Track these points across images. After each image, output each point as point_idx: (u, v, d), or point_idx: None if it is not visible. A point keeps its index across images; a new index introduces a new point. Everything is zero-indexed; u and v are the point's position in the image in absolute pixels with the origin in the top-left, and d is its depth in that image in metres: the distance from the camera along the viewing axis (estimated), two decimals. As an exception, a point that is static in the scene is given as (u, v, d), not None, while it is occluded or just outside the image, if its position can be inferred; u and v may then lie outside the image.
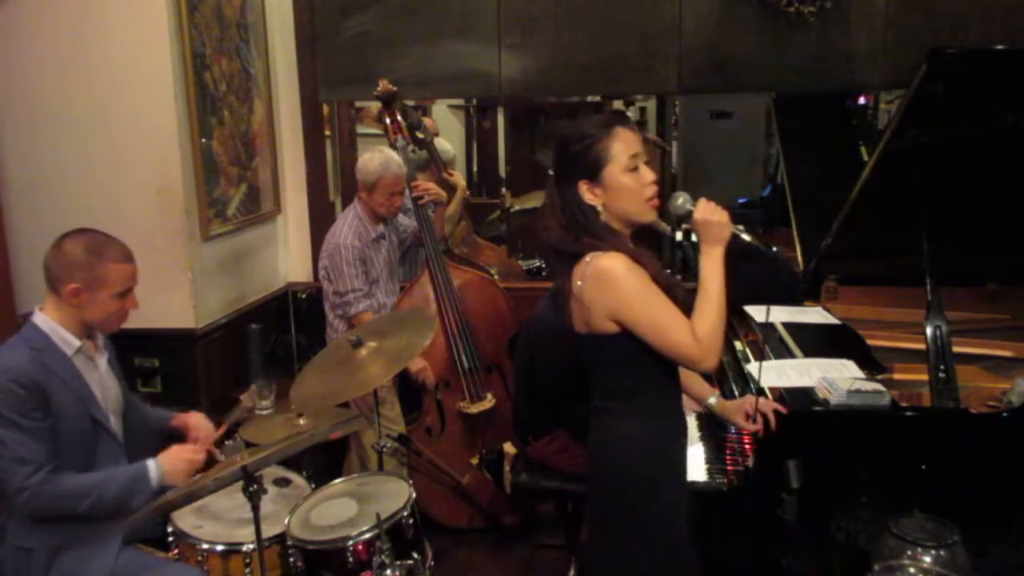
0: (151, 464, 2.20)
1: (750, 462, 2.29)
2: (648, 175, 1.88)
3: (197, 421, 2.45)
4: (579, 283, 1.84)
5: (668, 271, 2.03)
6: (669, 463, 1.97)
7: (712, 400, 2.27)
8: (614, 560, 1.96)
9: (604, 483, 1.97)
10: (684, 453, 2.04)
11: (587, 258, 1.84)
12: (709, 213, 1.87)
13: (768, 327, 2.83)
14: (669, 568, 1.95)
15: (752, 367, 2.53)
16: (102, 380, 2.28)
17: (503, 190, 5.46)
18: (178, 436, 2.44)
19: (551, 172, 1.97)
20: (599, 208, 1.88)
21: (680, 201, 1.93)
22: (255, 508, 2.09)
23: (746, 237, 1.92)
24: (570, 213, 1.89)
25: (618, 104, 5.77)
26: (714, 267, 1.86)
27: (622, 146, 1.85)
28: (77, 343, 2.20)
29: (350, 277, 3.31)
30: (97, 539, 2.19)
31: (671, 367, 1.92)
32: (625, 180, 1.86)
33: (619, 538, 1.95)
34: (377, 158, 3.32)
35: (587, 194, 1.87)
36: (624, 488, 1.93)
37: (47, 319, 2.18)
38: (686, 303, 1.87)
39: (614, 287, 1.81)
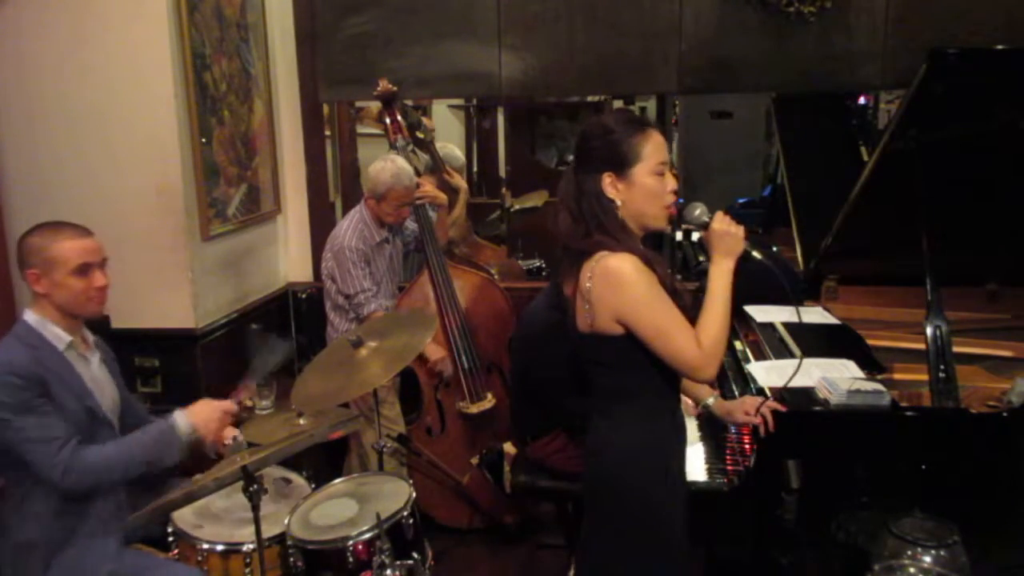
0: (178, 417, 2.24)
1: (750, 462, 2.28)
2: (671, 183, 1.89)
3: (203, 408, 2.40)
4: (587, 282, 1.83)
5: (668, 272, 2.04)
6: (668, 465, 1.96)
7: (711, 400, 2.27)
8: (610, 561, 1.96)
9: (602, 483, 1.96)
10: (683, 455, 2.04)
11: (597, 256, 1.82)
12: (726, 225, 1.90)
13: (768, 327, 2.84)
14: (665, 570, 1.95)
15: (752, 367, 2.53)
16: (95, 378, 2.29)
17: (503, 190, 5.46)
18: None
19: (571, 158, 1.96)
20: (618, 204, 1.87)
21: (697, 212, 1.96)
22: (255, 508, 2.09)
23: (756, 255, 1.95)
24: (586, 204, 1.87)
25: (618, 104, 5.76)
26: (723, 279, 1.88)
27: (653, 148, 1.85)
28: (68, 338, 2.21)
29: (358, 278, 3.30)
30: (97, 536, 2.20)
31: (670, 372, 1.91)
32: (650, 182, 1.85)
33: (616, 539, 1.95)
34: (389, 168, 3.28)
35: (610, 187, 1.86)
36: (623, 489, 1.92)
37: (36, 316, 2.20)
38: (693, 308, 1.87)
39: (621, 288, 1.79)
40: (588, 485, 2.02)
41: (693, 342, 1.80)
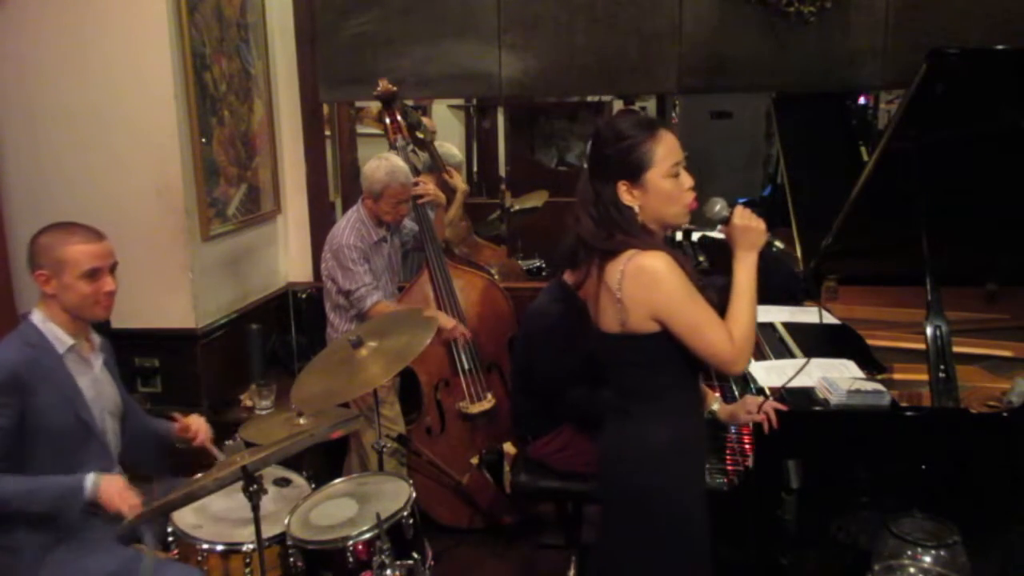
0: (89, 480, 2.11)
1: (750, 462, 2.29)
2: (687, 181, 1.87)
3: (198, 424, 2.45)
4: (617, 282, 1.81)
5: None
6: (692, 464, 1.96)
7: (715, 407, 2.28)
8: (633, 561, 1.94)
9: (626, 484, 1.94)
10: (703, 454, 2.03)
11: (626, 256, 1.82)
12: (748, 219, 1.89)
13: (768, 327, 2.84)
14: (692, 569, 1.94)
15: (752, 367, 2.53)
16: (96, 381, 2.27)
17: (503, 190, 5.46)
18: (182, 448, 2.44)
19: (585, 165, 1.94)
20: (636, 209, 1.86)
21: (718, 208, 1.94)
22: (255, 508, 2.09)
23: (779, 244, 1.94)
24: (604, 209, 1.86)
25: (618, 104, 5.77)
26: (748, 272, 1.88)
27: (665, 150, 1.84)
28: (70, 341, 2.20)
29: (357, 274, 3.29)
30: (92, 537, 2.18)
31: (696, 369, 1.91)
32: (666, 185, 1.84)
33: (640, 539, 1.93)
34: (384, 166, 3.27)
35: (625, 195, 1.85)
36: (649, 490, 1.90)
37: (42, 316, 2.19)
38: (721, 305, 1.87)
39: (656, 285, 1.79)
40: (609, 486, 1.99)
41: (726, 336, 1.80)
